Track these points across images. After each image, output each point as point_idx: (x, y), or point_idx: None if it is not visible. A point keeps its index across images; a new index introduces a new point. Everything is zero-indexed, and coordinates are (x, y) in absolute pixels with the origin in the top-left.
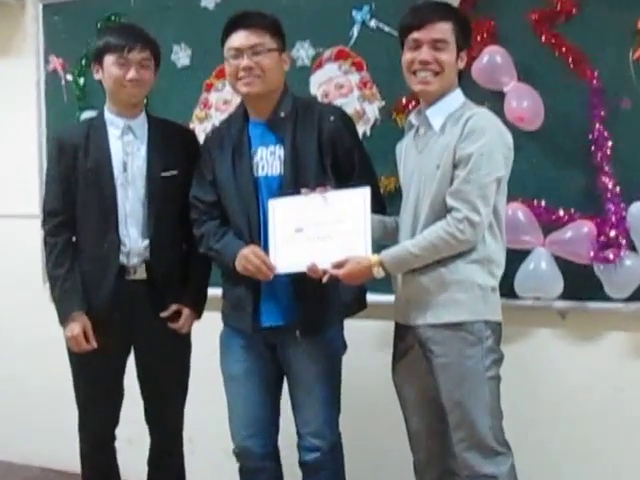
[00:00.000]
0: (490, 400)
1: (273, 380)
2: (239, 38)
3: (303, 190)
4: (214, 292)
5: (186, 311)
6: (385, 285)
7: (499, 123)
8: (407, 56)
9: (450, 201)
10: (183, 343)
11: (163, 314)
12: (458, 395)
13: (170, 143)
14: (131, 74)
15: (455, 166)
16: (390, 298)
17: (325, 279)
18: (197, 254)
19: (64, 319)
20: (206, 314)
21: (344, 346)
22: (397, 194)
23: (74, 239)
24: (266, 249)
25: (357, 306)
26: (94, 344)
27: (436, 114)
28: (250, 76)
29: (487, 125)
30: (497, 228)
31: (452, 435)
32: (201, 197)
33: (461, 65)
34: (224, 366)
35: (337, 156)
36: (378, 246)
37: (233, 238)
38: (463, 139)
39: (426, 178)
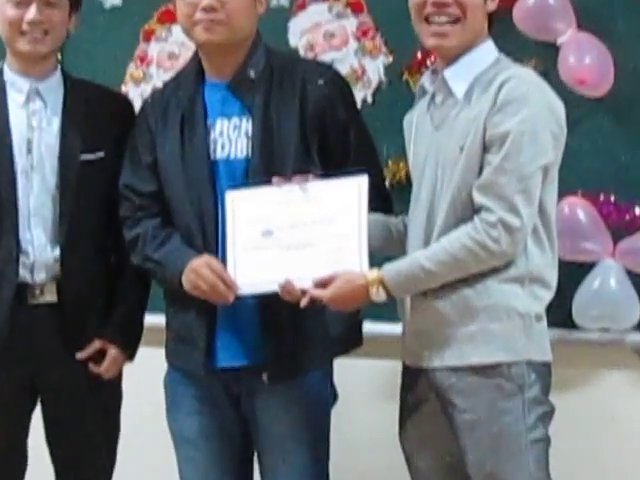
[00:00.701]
0: (535, 470)
1: (238, 440)
2: None
3: (275, 179)
4: (154, 320)
5: (112, 350)
6: (388, 311)
7: (547, 89)
8: None
9: (479, 197)
10: (110, 393)
11: (80, 355)
12: (491, 465)
13: (95, 114)
14: (31, 14)
15: (486, 149)
16: (395, 329)
17: (304, 302)
18: (129, 267)
19: None
20: (143, 351)
21: (332, 396)
22: (409, 183)
23: None
24: (225, 260)
25: (349, 341)
26: None
27: (458, 76)
28: (212, 19)
29: (530, 92)
30: (544, 233)
31: None
32: (135, 186)
33: (492, 5)
34: (171, 422)
35: (326, 134)
36: (378, 258)
37: (179, 244)
38: (496, 111)
39: (445, 164)
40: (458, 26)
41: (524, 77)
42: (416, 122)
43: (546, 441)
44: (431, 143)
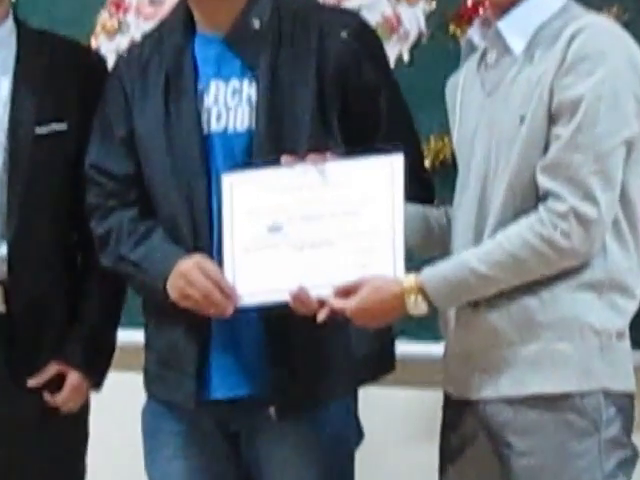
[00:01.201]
0: None
1: None
2: None
3: (285, 158)
4: (129, 338)
5: (74, 375)
6: (427, 328)
7: (630, 42)
8: None
9: (545, 181)
10: (71, 431)
11: (32, 381)
12: None
13: (55, 74)
14: None
15: (553, 119)
16: (436, 350)
17: (322, 316)
18: (98, 270)
19: None
20: (115, 377)
21: (357, 434)
22: (456, 167)
23: None
24: (222, 262)
25: (378, 365)
26: None
27: (516, 28)
28: None
29: (608, 46)
30: (627, 227)
31: None
32: (107, 167)
33: None
34: (150, 468)
35: (350, 101)
36: (416, 260)
37: (163, 241)
38: (566, 72)
39: (500, 140)
40: None
41: (600, 28)
42: (463, 86)
43: None
44: (482, 113)
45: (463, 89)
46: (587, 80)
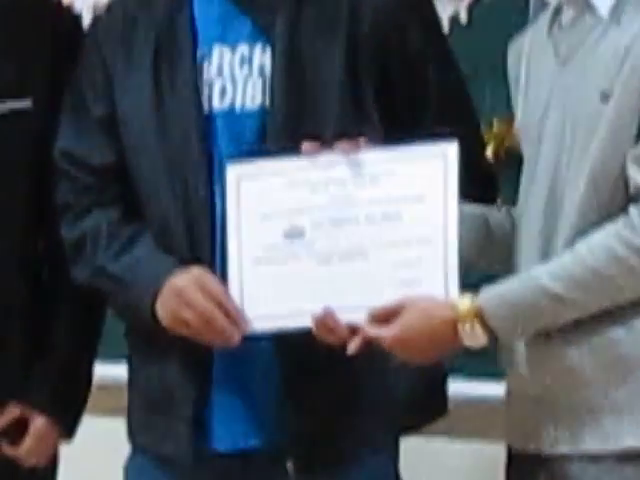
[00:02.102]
0: None
1: None
2: None
3: (307, 146)
4: (109, 373)
5: (39, 421)
6: (485, 364)
7: None
8: None
9: (638, 175)
10: None
11: None
12: None
13: (16, 37)
14: None
15: None
16: (496, 392)
17: (354, 347)
18: (68, 289)
19: None
20: (91, 423)
21: None
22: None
23: None
24: (226, 276)
25: (425, 410)
26: None
27: None
28: None
29: None
30: None
31: None
32: (81, 156)
33: None
34: None
35: (390, 74)
36: (472, 277)
37: (152, 250)
38: None
39: (578, 121)
40: None
41: None
42: (530, 52)
43: None
44: (554, 87)
45: (530, 56)
46: None
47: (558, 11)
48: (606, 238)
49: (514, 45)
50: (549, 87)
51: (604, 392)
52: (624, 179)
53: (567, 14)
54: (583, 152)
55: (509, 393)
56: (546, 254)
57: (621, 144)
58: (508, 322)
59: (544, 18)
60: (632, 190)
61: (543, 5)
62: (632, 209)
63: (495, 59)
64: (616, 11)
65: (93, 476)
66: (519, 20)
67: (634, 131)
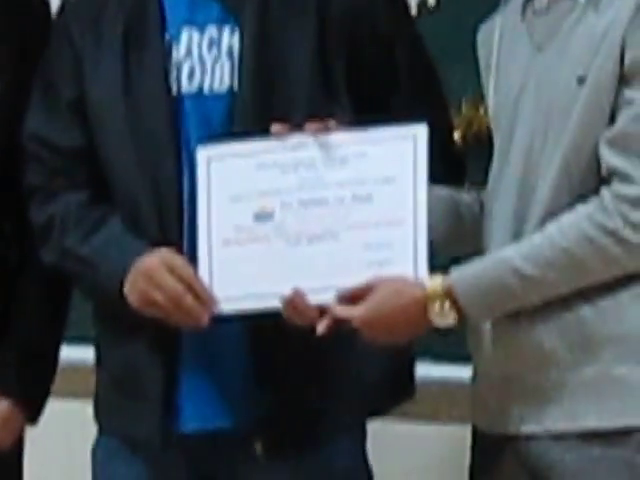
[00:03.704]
0: None
1: None
2: None
3: (276, 127)
4: (77, 355)
5: (3, 405)
6: (451, 346)
7: None
8: None
9: (611, 157)
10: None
11: None
12: None
13: None
14: None
15: (624, 81)
16: (461, 374)
17: (323, 327)
18: (34, 271)
19: None
20: (57, 406)
21: (366, 475)
22: (492, 141)
23: None
24: (196, 258)
25: (393, 392)
26: None
27: None
28: None
29: None
30: None
31: None
32: (50, 139)
33: None
34: None
35: (359, 56)
36: (442, 258)
37: (121, 231)
38: None
39: (552, 106)
40: None
41: None
42: (501, 36)
43: None
44: (529, 72)
45: (502, 40)
46: None
47: None
48: (577, 219)
49: (484, 28)
50: (523, 72)
51: (571, 372)
52: (597, 162)
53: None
54: (557, 135)
55: (475, 375)
56: (518, 236)
57: (595, 127)
58: (478, 301)
59: (516, 2)
60: (604, 172)
61: None
62: (604, 191)
63: (463, 43)
64: None
65: (60, 460)
66: (486, 4)
67: (607, 114)
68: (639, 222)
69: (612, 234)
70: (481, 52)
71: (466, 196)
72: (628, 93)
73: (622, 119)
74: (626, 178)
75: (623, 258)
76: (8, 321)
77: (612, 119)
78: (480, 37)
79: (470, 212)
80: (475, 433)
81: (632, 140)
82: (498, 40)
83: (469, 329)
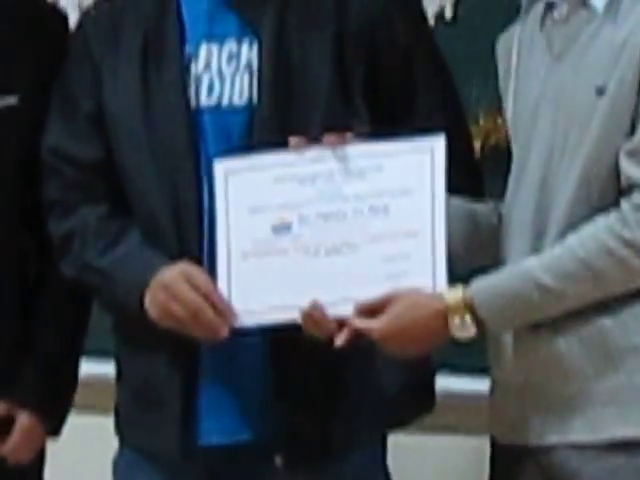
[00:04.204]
0: None
1: None
2: None
3: (294, 140)
4: (97, 370)
5: (25, 418)
6: (470, 358)
7: None
8: None
9: (631, 169)
10: None
11: None
12: None
13: (3, 36)
14: None
15: None
16: (480, 387)
17: (342, 340)
18: (55, 285)
19: None
20: (78, 420)
21: None
22: (511, 153)
23: None
24: (215, 271)
25: (414, 405)
26: None
27: None
28: None
29: None
30: None
31: None
32: (69, 152)
33: None
34: None
35: (377, 68)
36: (461, 270)
37: (140, 245)
38: None
39: (572, 117)
40: None
41: None
42: (520, 46)
43: None
44: (548, 82)
45: (521, 50)
46: None
47: (550, 6)
48: (597, 231)
49: (503, 38)
50: (542, 81)
51: (592, 382)
52: (616, 173)
53: (561, 9)
54: (576, 146)
55: (494, 386)
56: (537, 247)
57: (614, 139)
58: (499, 313)
59: (535, 13)
60: (624, 184)
61: (534, 0)
62: (624, 203)
63: (480, 55)
64: (611, 6)
65: (80, 473)
66: (503, 16)
67: (628, 126)
68: None
69: (632, 245)
70: (500, 62)
71: (484, 207)
72: None
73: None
74: None
75: None
76: (28, 336)
77: (632, 130)
78: (499, 47)
79: (488, 223)
80: (494, 445)
81: None
82: (517, 50)
83: (489, 340)
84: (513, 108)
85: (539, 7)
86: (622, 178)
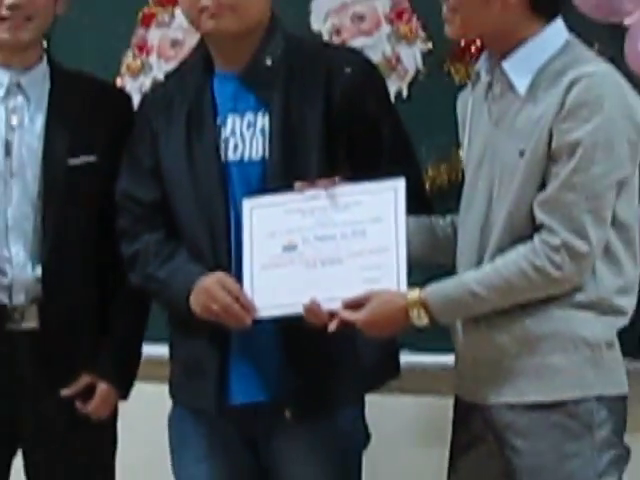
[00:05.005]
0: None
1: None
2: None
3: (297, 184)
4: (155, 351)
5: (103, 386)
6: (429, 340)
7: (625, 89)
8: None
9: (541, 215)
10: (101, 437)
11: (65, 391)
12: None
13: (85, 110)
14: None
15: (551, 158)
16: (438, 360)
17: (333, 326)
18: (125, 289)
19: None
20: (143, 387)
21: (365, 436)
22: (452, 191)
23: None
24: (241, 277)
25: (384, 372)
26: None
27: (519, 68)
28: (219, 6)
29: (605, 94)
30: (624, 251)
31: None
32: (135, 194)
33: None
34: (177, 469)
35: (355, 131)
36: (417, 274)
37: (187, 261)
38: (565, 116)
39: (503, 169)
40: (456, 15)
41: (599, 76)
42: (472, 110)
43: None
44: (489, 140)
45: (472, 113)
46: (584, 126)
47: (491, 85)
48: (517, 257)
49: (462, 96)
50: (485, 139)
51: (518, 361)
52: (532, 215)
53: (496, 88)
54: (506, 193)
55: (456, 359)
56: (479, 260)
57: (530, 191)
58: (444, 311)
59: (481, 87)
60: (537, 224)
61: (479, 78)
62: (536, 238)
63: (428, 123)
64: (531, 91)
65: (144, 427)
66: (444, 97)
67: (539, 182)
68: (559, 263)
69: (540, 270)
70: (459, 113)
71: (441, 221)
72: (554, 169)
73: (550, 188)
74: (551, 231)
75: (547, 287)
76: (106, 325)
77: (543, 185)
78: (459, 102)
79: (444, 233)
80: (457, 400)
81: (556, 204)
82: (471, 109)
83: (450, 327)
84: (466, 154)
85: (483, 83)
86: (536, 219)
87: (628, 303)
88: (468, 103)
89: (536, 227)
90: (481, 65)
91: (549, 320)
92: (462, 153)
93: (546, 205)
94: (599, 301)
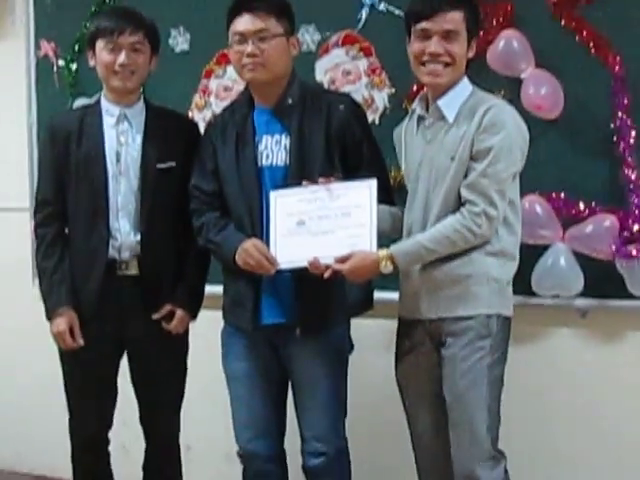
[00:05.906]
0: (490, 400)
1: (277, 381)
2: (244, 22)
3: (305, 182)
4: (214, 290)
5: (179, 312)
6: (393, 282)
7: (517, 116)
8: (415, 46)
9: (466, 194)
10: (179, 344)
11: (155, 315)
12: (461, 387)
13: (168, 133)
14: (121, 59)
15: (472, 159)
16: (397, 296)
17: (327, 274)
18: (194, 250)
19: (50, 314)
20: (205, 313)
21: (350, 346)
22: (403, 187)
23: (66, 230)
24: (268, 242)
25: (363, 306)
26: (80, 341)
27: (449, 105)
28: (254, 63)
29: (507, 118)
30: (514, 220)
31: (450, 434)
32: (202, 186)
33: (471, 54)
34: (226, 366)
35: (346, 147)
36: (384, 240)
37: (234, 231)
38: (482, 131)
39: (438, 170)
40: (448, 69)
41: (502, 107)
42: (406, 135)
43: (501, 381)
44: (424, 154)
45: (406, 137)
46: (495, 137)
47: (423, 118)
48: (452, 221)
49: (397, 130)
50: (421, 154)
51: (450, 290)
52: (459, 196)
53: (428, 120)
54: (441, 184)
55: (400, 292)
56: (424, 228)
57: (458, 180)
58: (405, 261)
59: (414, 119)
60: (463, 200)
61: (414, 113)
62: (463, 209)
63: (392, 143)
64: (457, 118)
65: (206, 336)
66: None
67: (464, 174)
68: (480, 223)
69: (467, 228)
70: (396, 141)
71: (395, 209)
72: (474, 165)
73: (471, 176)
74: (473, 203)
75: (472, 239)
76: (181, 273)
77: (466, 176)
78: (395, 134)
79: (397, 217)
80: (400, 319)
81: (476, 186)
82: (404, 137)
83: (401, 274)
84: (405, 166)
85: (414, 118)
86: (462, 197)
87: (516, 253)
88: (402, 133)
89: (463, 202)
90: (417, 105)
91: (471, 263)
92: (401, 166)
93: (470, 187)
94: (502, 251)
